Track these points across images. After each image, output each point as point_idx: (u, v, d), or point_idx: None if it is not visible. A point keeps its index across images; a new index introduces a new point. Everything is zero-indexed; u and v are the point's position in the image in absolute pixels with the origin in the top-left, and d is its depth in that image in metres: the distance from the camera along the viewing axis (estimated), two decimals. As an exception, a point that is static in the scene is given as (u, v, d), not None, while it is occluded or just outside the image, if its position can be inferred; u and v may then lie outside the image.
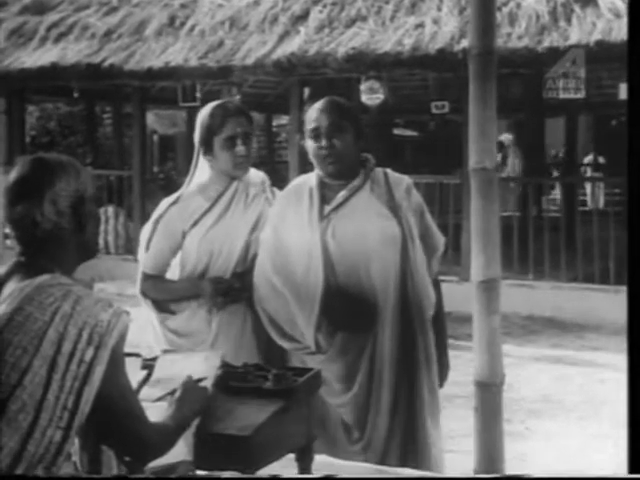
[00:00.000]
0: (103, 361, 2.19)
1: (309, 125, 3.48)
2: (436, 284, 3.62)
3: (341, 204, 3.47)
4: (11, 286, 2.26)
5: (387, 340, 3.44)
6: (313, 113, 3.49)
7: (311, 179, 3.56)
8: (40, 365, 2.14)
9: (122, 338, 2.24)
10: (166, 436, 2.42)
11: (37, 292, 2.22)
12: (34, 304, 2.20)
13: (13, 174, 2.35)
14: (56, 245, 2.33)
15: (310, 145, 3.49)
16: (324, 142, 3.43)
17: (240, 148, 3.54)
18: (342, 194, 3.48)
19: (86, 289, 2.29)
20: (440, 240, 3.64)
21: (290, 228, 3.48)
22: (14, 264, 2.34)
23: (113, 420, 2.25)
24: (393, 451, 3.48)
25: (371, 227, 3.43)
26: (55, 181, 2.32)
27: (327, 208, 3.47)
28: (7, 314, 2.19)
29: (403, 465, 3.48)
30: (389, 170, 3.63)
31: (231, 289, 3.47)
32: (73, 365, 2.16)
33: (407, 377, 3.47)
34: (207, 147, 3.59)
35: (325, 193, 3.52)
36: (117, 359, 2.24)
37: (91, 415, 2.18)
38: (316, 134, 3.45)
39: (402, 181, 3.57)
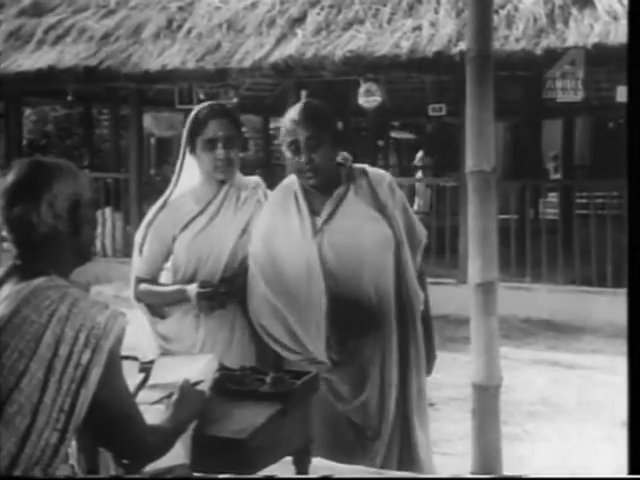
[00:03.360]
0: (100, 364, 2.18)
1: (287, 137, 3.44)
2: (421, 277, 3.63)
3: (331, 215, 3.46)
4: (7, 289, 2.26)
5: (392, 343, 3.45)
6: (289, 124, 3.43)
7: (293, 185, 3.52)
8: (37, 368, 2.14)
9: (119, 340, 2.24)
10: (163, 438, 2.41)
11: (34, 295, 2.21)
12: (31, 307, 2.19)
13: (10, 176, 2.34)
14: (52, 248, 2.33)
15: (288, 157, 3.45)
16: (303, 157, 3.39)
17: (220, 151, 3.50)
18: (330, 204, 3.46)
19: (83, 291, 2.29)
20: (423, 232, 3.64)
21: (282, 242, 3.45)
22: (10, 267, 2.33)
23: (110, 422, 2.24)
24: (393, 455, 3.49)
25: (364, 233, 3.42)
26: (52, 184, 2.32)
27: (318, 221, 3.45)
28: (4, 317, 2.18)
29: (399, 469, 3.49)
30: (367, 166, 3.62)
31: (217, 294, 3.45)
32: (70, 368, 2.16)
33: (401, 378, 3.49)
34: (192, 147, 3.58)
35: (311, 201, 3.49)
36: (114, 362, 2.23)
37: (88, 417, 2.17)
38: (294, 148, 3.41)
39: (383, 178, 3.55)
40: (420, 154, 19.45)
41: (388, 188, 3.52)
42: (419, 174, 18.88)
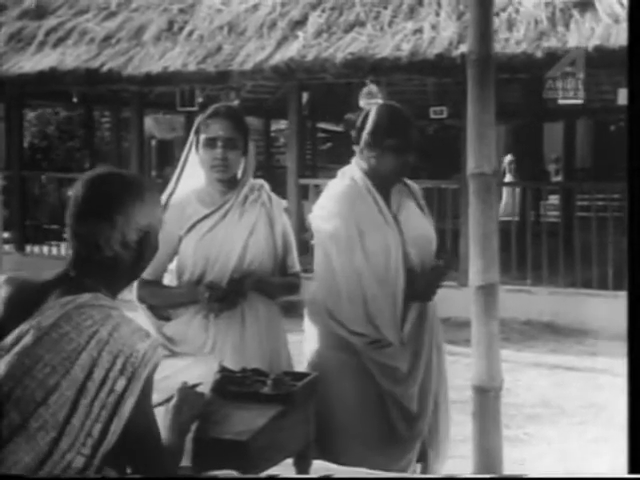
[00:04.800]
0: (135, 393, 2.15)
1: (392, 138, 3.61)
2: None
3: (399, 206, 3.72)
4: (53, 299, 2.21)
5: (430, 330, 3.74)
6: (392, 123, 3.64)
7: (360, 182, 3.68)
8: (68, 387, 2.10)
9: (154, 370, 2.21)
10: (176, 456, 2.41)
11: (77, 312, 2.17)
12: (72, 324, 2.15)
13: (90, 186, 2.27)
14: (109, 270, 2.29)
15: (388, 160, 3.63)
16: (411, 158, 3.65)
17: (217, 151, 3.54)
18: (396, 197, 3.73)
19: (126, 315, 2.24)
20: None
21: (367, 228, 3.61)
22: (62, 274, 2.29)
23: (134, 445, 2.22)
24: (429, 441, 3.74)
25: (424, 227, 3.75)
26: (130, 210, 2.26)
27: (393, 209, 3.70)
28: (43, 328, 2.14)
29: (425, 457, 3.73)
30: None
31: (228, 295, 3.46)
32: (103, 393, 2.12)
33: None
34: (196, 145, 3.63)
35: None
36: (148, 390, 2.20)
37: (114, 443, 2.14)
38: (401, 150, 3.63)
39: (418, 189, 3.89)
40: (509, 157, 19.34)
41: (422, 196, 3.89)
42: (507, 177, 18.84)
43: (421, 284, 3.62)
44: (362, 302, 3.57)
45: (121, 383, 2.13)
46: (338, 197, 3.68)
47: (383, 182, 3.68)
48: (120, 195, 2.27)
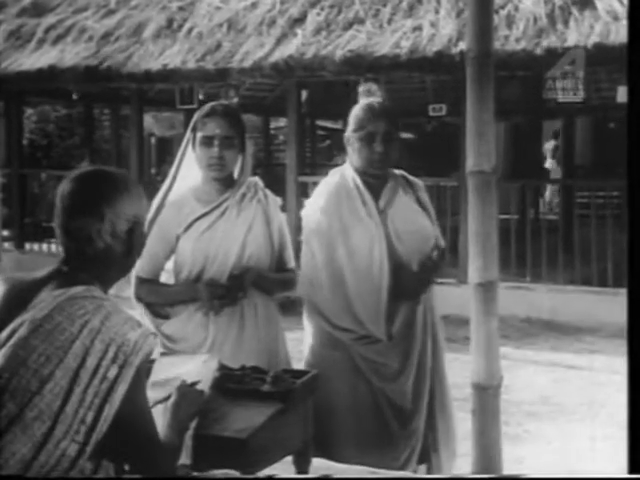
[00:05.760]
0: (126, 380, 2.17)
1: (362, 129, 3.63)
2: None
3: (389, 202, 3.70)
4: (46, 292, 2.25)
5: (429, 327, 3.72)
6: (363, 114, 3.66)
7: (348, 178, 3.71)
8: (62, 376, 2.13)
9: (147, 359, 2.24)
10: (174, 453, 2.41)
11: (69, 303, 2.20)
12: (64, 314, 2.18)
13: (75, 183, 2.32)
14: (101, 263, 2.33)
15: (357, 147, 3.65)
16: (380, 148, 3.61)
17: (214, 149, 3.55)
18: (386, 194, 3.72)
19: (118, 306, 2.27)
20: None
21: (350, 222, 3.62)
22: (55, 271, 2.33)
23: (129, 438, 2.23)
24: (431, 441, 3.71)
25: (417, 222, 3.71)
26: (117, 202, 2.31)
27: (381, 204, 3.69)
28: (36, 320, 2.17)
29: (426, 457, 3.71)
30: (403, 172, 3.88)
31: (228, 291, 3.47)
32: (95, 381, 2.15)
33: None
34: (193, 143, 3.64)
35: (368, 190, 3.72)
36: (140, 379, 2.23)
37: (108, 432, 2.16)
38: (370, 139, 3.62)
39: (421, 184, 3.89)
40: (552, 143, 18.76)
41: (424, 190, 3.88)
42: (548, 163, 18.42)
43: (409, 281, 3.60)
44: (345, 297, 3.57)
45: (113, 371, 2.16)
46: (325, 193, 3.71)
47: (371, 177, 3.68)
48: (106, 188, 2.33)
